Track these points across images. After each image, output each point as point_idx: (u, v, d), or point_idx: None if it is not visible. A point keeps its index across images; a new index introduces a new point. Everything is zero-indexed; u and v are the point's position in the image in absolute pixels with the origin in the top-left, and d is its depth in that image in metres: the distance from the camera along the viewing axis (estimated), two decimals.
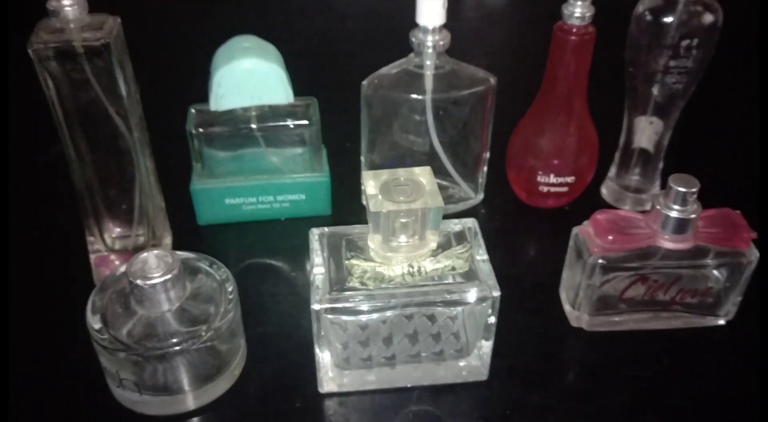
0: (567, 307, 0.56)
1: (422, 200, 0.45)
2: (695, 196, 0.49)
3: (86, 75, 0.50)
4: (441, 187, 0.64)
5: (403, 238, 0.46)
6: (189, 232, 0.64)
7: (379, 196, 0.45)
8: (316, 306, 0.45)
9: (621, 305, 0.54)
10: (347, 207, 0.67)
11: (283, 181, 0.63)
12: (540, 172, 0.64)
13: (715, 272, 0.53)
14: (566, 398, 0.51)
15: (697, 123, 0.68)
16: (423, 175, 0.47)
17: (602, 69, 0.63)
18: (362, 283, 0.45)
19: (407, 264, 0.46)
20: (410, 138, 0.63)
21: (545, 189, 0.65)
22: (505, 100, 0.66)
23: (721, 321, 0.56)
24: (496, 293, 0.46)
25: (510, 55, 0.96)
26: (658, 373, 0.53)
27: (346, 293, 0.46)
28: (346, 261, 0.46)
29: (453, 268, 0.47)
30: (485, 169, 0.67)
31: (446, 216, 0.64)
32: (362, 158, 0.66)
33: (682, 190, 0.49)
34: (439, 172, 0.64)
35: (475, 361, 0.51)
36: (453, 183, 0.66)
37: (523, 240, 0.66)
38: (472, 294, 0.46)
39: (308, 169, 0.64)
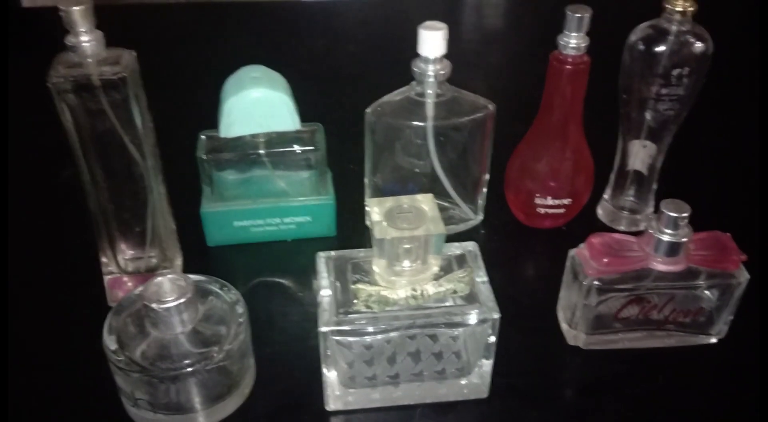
0: (564, 326, 0.58)
1: (425, 227, 0.47)
2: (686, 220, 0.51)
3: (103, 106, 0.52)
4: (442, 209, 0.67)
5: (406, 263, 0.48)
6: (199, 254, 0.66)
7: (384, 223, 0.47)
8: (323, 329, 0.47)
9: (616, 324, 0.56)
10: (352, 228, 0.68)
11: (290, 203, 0.65)
12: (537, 194, 0.66)
13: (707, 292, 0.55)
14: (564, 415, 0.53)
15: (689, 146, 0.70)
16: (425, 202, 0.49)
17: (598, 94, 0.65)
18: (367, 306, 0.48)
19: (410, 288, 0.48)
20: (412, 161, 0.65)
21: (543, 210, 0.67)
22: (505, 123, 0.68)
23: (714, 340, 0.58)
24: (496, 315, 0.48)
25: (510, 79, 0.98)
26: (653, 390, 0.54)
27: (352, 316, 0.48)
28: (352, 286, 0.48)
29: (454, 291, 0.49)
30: (485, 190, 0.69)
31: (447, 237, 0.66)
32: (366, 181, 0.68)
33: (674, 214, 0.51)
34: (440, 193, 0.66)
35: (476, 379, 0.53)
36: (453, 204, 0.68)
37: (522, 260, 0.68)
38: (473, 317, 0.48)
39: (314, 192, 0.66)
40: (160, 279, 0.49)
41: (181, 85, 0.93)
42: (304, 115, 0.64)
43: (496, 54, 1.05)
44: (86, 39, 0.49)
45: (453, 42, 0.60)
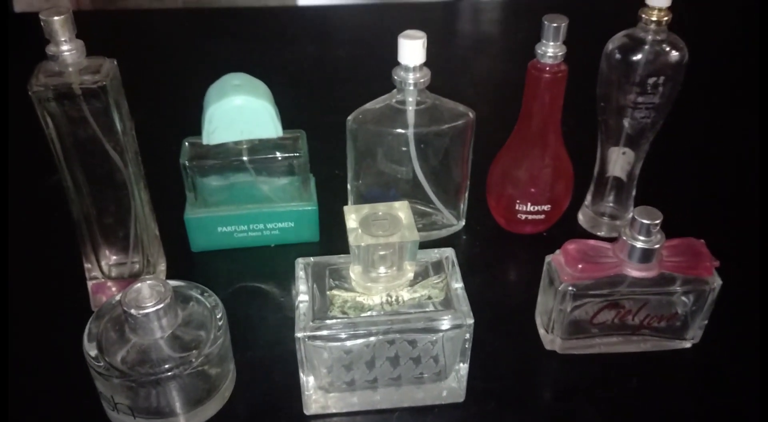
0: (541, 331, 0.59)
1: (400, 234, 0.48)
2: (658, 227, 0.52)
3: (84, 114, 0.52)
4: (424, 214, 0.68)
5: (382, 269, 0.49)
6: (183, 259, 0.66)
7: (359, 230, 0.48)
8: (299, 334, 0.48)
9: (592, 329, 0.57)
10: (335, 233, 0.69)
11: (273, 209, 0.66)
12: (518, 201, 0.67)
13: (683, 298, 0.56)
14: (540, 418, 0.54)
15: (667, 153, 0.71)
16: (401, 209, 0.49)
17: (577, 102, 0.66)
18: (343, 312, 0.48)
19: (386, 294, 0.49)
20: (394, 167, 0.66)
21: (523, 216, 0.68)
22: (489, 129, 0.69)
23: (688, 344, 0.58)
24: (470, 321, 0.49)
25: (495, 85, 0.99)
26: (628, 394, 0.55)
27: (328, 321, 0.48)
28: (328, 292, 0.49)
29: (429, 297, 0.50)
30: (466, 196, 0.70)
31: (430, 242, 0.67)
32: (348, 186, 0.69)
33: (646, 222, 0.52)
34: (422, 199, 0.67)
35: (453, 383, 0.54)
36: (436, 210, 0.69)
37: (502, 265, 0.68)
38: (446, 322, 0.49)
39: (297, 198, 0.66)
40: (139, 285, 0.49)
41: (168, 91, 0.94)
42: (290, 121, 0.64)
43: (482, 61, 1.06)
44: (67, 48, 0.50)
45: (440, 49, 0.60)
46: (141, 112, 0.60)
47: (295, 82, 0.95)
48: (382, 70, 0.66)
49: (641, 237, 0.52)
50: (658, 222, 0.52)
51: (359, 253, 0.48)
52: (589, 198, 0.70)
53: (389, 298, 0.48)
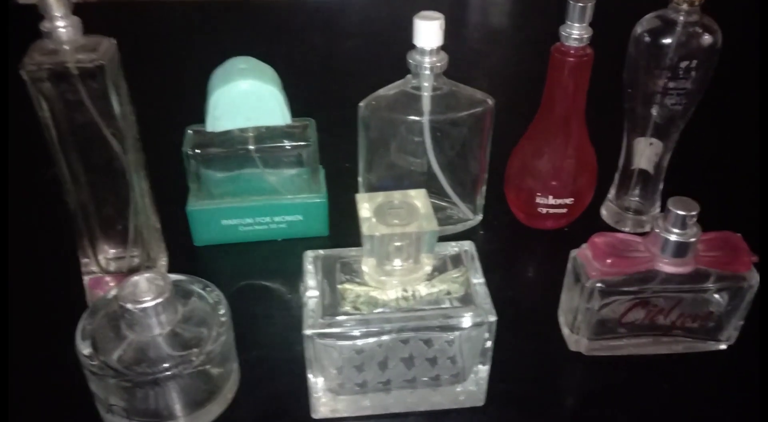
0: (565, 331, 0.56)
1: (417, 223, 0.44)
2: (695, 219, 0.49)
3: (81, 96, 0.49)
4: (440, 208, 0.65)
5: (397, 262, 0.45)
6: (185, 253, 0.64)
7: (373, 219, 0.45)
8: (308, 332, 0.45)
9: (620, 329, 0.53)
10: (345, 227, 0.66)
11: (281, 201, 0.63)
12: (538, 194, 0.63)
13: (717, 296, 0.52)
14: None
15: (697, 144, 0.68)
16: (418, 197, 0.46)
17: (601, 89, 0.63)
18: (355, 308, 0.45)
19: (401, 289, 0.45)
20: (408, 158, 0.63)
21: (544, 210, 0.64)
22: (506, 121, 0.66)
23: (723, 346, 0.55)
24: (492, 318, 0.46)
25: (511, 76, 0.96)
26: (659, 399, 0.52)
27: (339, 318, 0.45)
28: (339, 286, 0.45)
29: (448, 292, 0.46)
30: (484, 189, 0.66)
31: (445, 238, 0.64)
32: (360, 179, 0.65)
33: (682, 213, 0.48)
34: (437, 192, 0.64)
35: (472, 386, 0.51)
36: (451, 204, 0.66)
37: (522, 262, 0.66)
38: (467, 320, 0.46)
39: (305, 190, 0.63)
40: (136, 278, 0.46)
41: (171, 79, 0.91)
42: (298, 111, 0.62)
43: (499, 50, 1.03)
44: (62, 24, 0.47)
45: (455, 38, 0.58)
46: (143, 99, 0.56)
47: (302, 73, 0.92)
48: (391, 62, 0.63)
49: (676, 230, 0.49)
50: (694, 213, 0.48)
51: (373, 245, 0.44)
52: (613, 191, 0.67)
53: (405, 293, 0.45)
